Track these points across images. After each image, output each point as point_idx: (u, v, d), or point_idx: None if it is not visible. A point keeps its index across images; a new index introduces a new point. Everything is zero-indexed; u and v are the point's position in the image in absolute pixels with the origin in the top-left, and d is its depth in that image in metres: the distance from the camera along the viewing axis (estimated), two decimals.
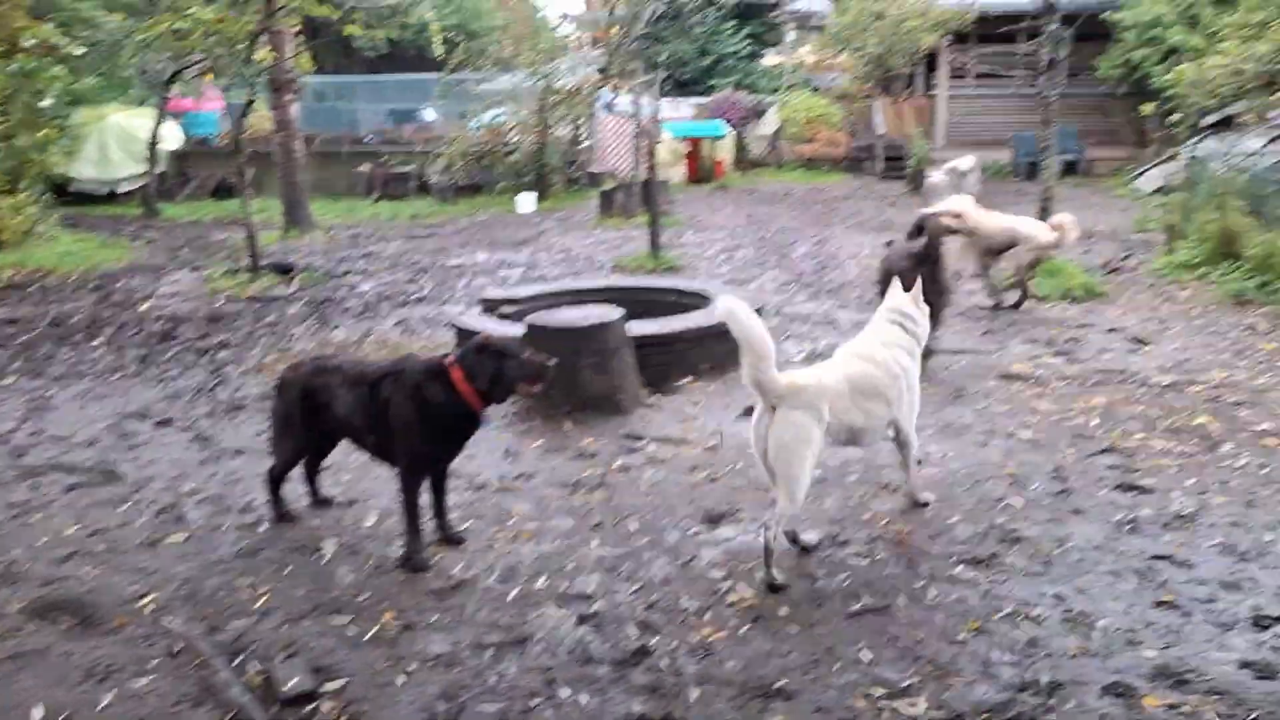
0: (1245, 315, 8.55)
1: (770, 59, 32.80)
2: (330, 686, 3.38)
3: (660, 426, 6.02)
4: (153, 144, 19.33)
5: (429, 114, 31.48)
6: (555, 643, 3.63)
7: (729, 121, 25.28)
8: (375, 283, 11.46)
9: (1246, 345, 7.63)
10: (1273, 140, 13.24)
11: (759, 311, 7.68)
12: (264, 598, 3.97)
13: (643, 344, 6.58)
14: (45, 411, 6.69)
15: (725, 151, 24.18)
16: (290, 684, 3.34)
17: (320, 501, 4.83)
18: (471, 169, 21.10)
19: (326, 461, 4.90)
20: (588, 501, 4.92)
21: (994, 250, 8.82)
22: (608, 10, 12.05)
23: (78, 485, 5.28)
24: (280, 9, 10.94)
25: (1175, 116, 11.62)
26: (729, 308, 4.07)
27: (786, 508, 4.08)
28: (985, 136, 24.17)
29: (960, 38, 21.69)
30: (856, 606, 3.84)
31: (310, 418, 4.43)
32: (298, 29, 15.86)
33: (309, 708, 3.28)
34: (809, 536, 4.39)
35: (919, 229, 7.13)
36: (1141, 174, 18.96)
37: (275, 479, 4.64)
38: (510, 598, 3.96)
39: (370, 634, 3.70)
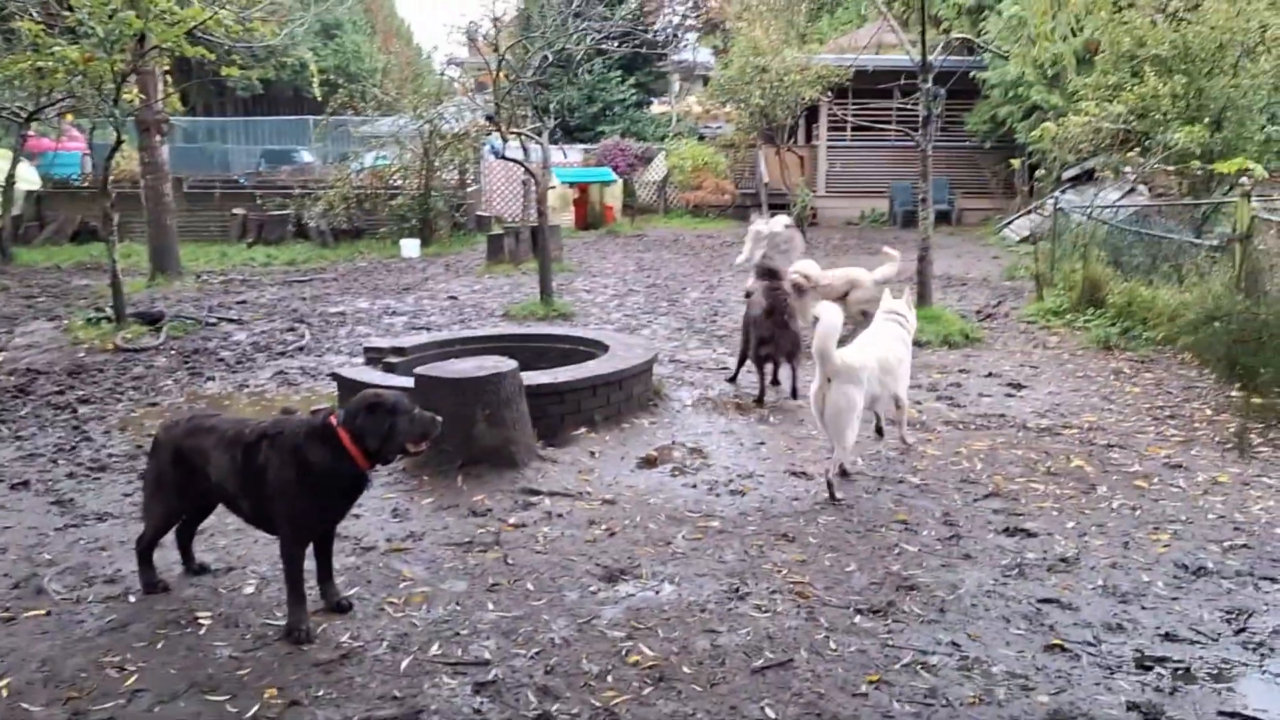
0: (1111, 360, 8.98)
1: (657, 107, 33.39)
2: None
3: (556, 480, 5.91)
4: (8, 185, 18.32)
5: (305, 156, 30.87)
6: (451, 713, 3.47)
7: (617, 168, 25.59)
8: (250, 332, 11.04)
9: (1114, 389, 8.00)
10: (1127, 193, 14.09)
11: (654, 359, 7.77)
12: (134, 677, 3.67)
13: (536, 394, 6.48)
14: None
15: (614, 198, 24.39)
16: None
17: (195, 569, 4.53)
18: (353, 213, 20.66)
19: (201, 525, 4.62)
20: (482, 561, 4.76)
21: (835, 297, 9.23)
22: (496, 56, 11.99)
23: None
24: (152, 49, 10.53)
25: (1041, 171, 12.22)
26: (826, 307, 5.62)
27: (841, 454, 5.70)
28: (864, 186, 25.09)
29: (840, 92, 22.53)
30: (759, 662, 3.80)
31: (184, 481, 4.17)
32: (167, 69, 15.33)
33: None
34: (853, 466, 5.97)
35: (767, 272, 8.14)
36: (1009, 224, 19.90)
37: (146, 547, 4.33)
38: (402, 667, 3.77)
39: (251, 712, 3.45)
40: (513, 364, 6.20)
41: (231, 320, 11.69)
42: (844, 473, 5.86)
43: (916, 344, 9.48)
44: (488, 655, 3.86)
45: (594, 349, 7.96)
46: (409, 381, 6.23)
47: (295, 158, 30.98)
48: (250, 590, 4.41)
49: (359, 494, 4.05)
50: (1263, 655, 3.80)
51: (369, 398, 3.93)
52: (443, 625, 4.10)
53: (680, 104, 34.41)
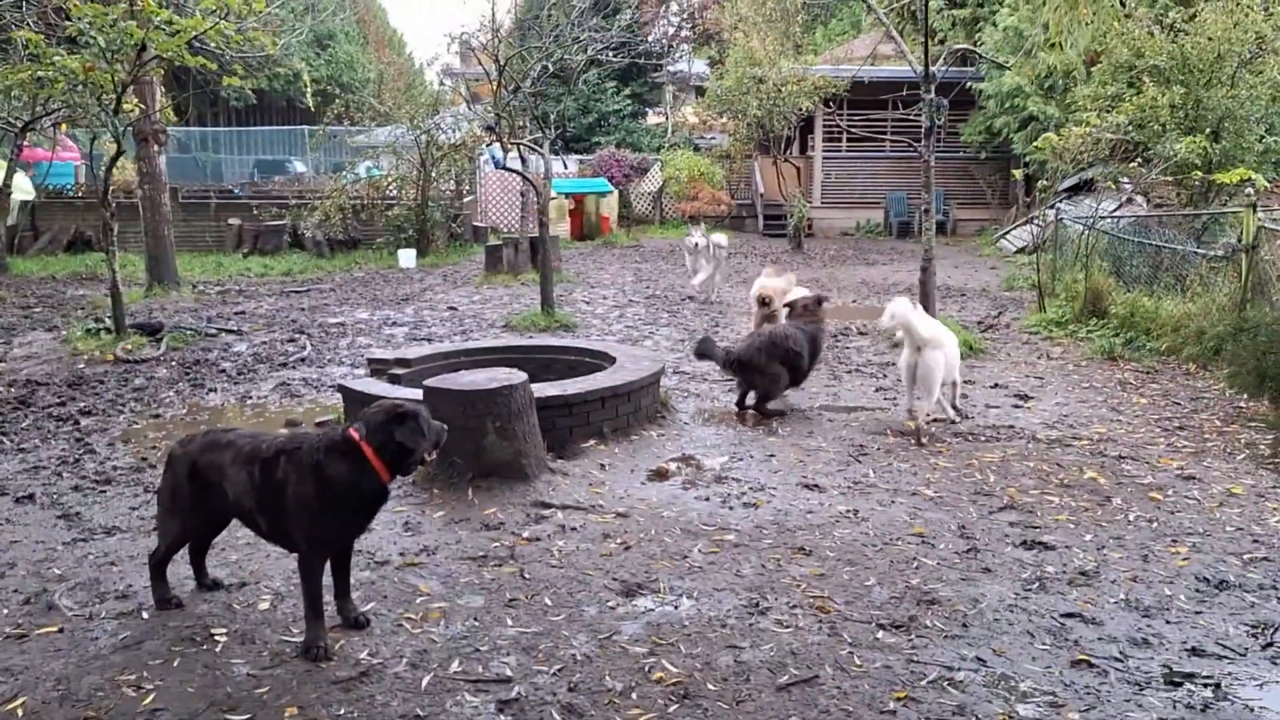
0: (1116, 371, 8.97)
1: (652, 118, 33.45)
2: None
3: (568, 493, 5.86)
4: (3, 195, 18.20)
5: (298, 166, 30.84)
6: None
7: (612, 179, 25.60)
8: (250, 343, 10.96)
9: (1121, 400, 7.99)
10: (1124, 204, 14.13)
11: (662, 371, 7.72)
12: (151, 696, 3.61)
13: (545, 406, 6.43)
14: None
15: (610, 208, 24.40)
16: None
17: (207, 585, 4.46)
18: (349, 223, 20.60)
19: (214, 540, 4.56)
20: (498, 576, 4.71)
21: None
22: (496, 66, 11.97)
23: None
24: (152, 59, 10.47)
25: (1043, 181, 12.26)
26: (900, 302, 7.06)
27: (930, 405, 6.98)
28: (859, 197, 25.16)
29: (836, 103, 22.62)
30: (785, 679, 3.75)
31: (200, 497, 4.11)
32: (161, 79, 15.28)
33: None
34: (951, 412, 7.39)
35: (816, 301, 8.18)
36: (1005, 234, 19.94)
37: (160, 562, 4.27)
38: (423, 685, 3.71)
39: None
40: (523, 376, 6.15)
41: (231, 331, 11.61)
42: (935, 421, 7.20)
43: None
44: (509, 672, 3.81)
45: (600, 361, 7.92)
46: (416, 393, 6.18)
47: (288, 168, 30.97)
48: (265, 606, 4.35)
49: (379, 507, 4.00)
50: None
51: (392, 409, 3.89)
52: (462, 641, 4.05)
53: (676, 115, 34.46)
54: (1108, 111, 12.74)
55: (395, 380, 7.38)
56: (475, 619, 4.25)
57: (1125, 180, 13.79)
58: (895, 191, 24.31)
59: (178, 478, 4.14)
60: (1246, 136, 12.74)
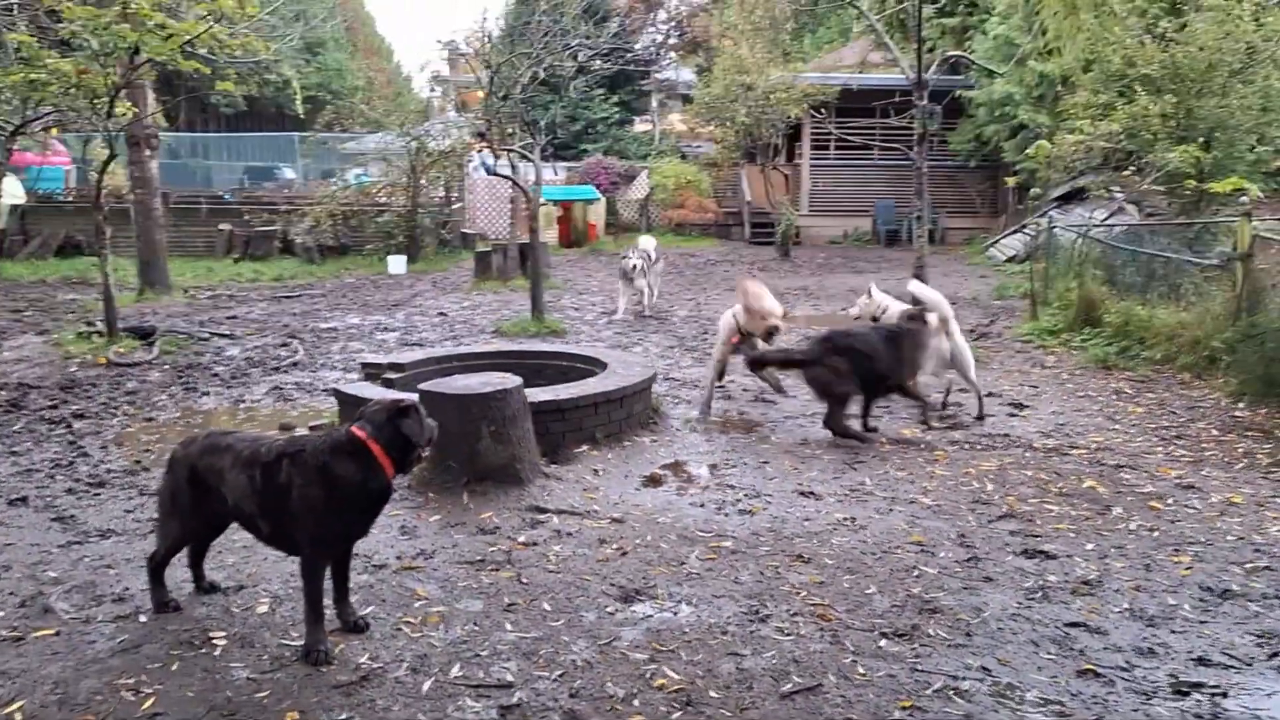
0: (1111, 380, 8.99)
1: (639, 126, 33.47)
2: None
3: (563, 498, 5.82)
4: None
5: (288, 173, 30.73)
6: None
7: (599, 186, 25.60)
8: (243, 347, 10.90)
9: (1117, 409, 8.00)
10: (1115, 213, 14.20)
11: (654, 377, 7.70)
12: (150, 700, 3.55)
13: (538, 411, 6.40)
14: None
15: (597, 216, 24.40)
16: None
17: (205, 588, 4.41)
18: (339, 229, 20.57)
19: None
20: (496, 581, 4.67)
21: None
22: (487, 72, 11.95)
23: None
24: (144, 63, 10.40)
25: (1035, 190, 12.30)
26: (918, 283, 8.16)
27: (974, 377, 7.80)
28: (847, 205, 25.20)
29: (825, 110, 22.68)
30: (788, 687, 3.72)
31: (199, 500, 4.06)
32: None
33: None
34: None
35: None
36: (995, 243, 20.01)
37: (158, 565, 4.22)
38: (424, 690, 3.67)
39: None
40: (518, 380, 6.12)
41: (224, 335, 11.55)
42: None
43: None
44: (510, 677, 3.77)
45: (592, 366, 7.91)
46: (413, 398, 6.13)
47: (278, 174, 30.85)
48: (264, 609, 4.29)
49: (384, 506, 3.98)
50: None
51: (393, 404, 3.90)
52: (462, 646, 4.01)
53: (663, 122, 34.52)
54: (1100, 120, 12.81)
55: (389, 385, 7.35)
56: (474, 623, 4.21)
57: (1117, 189, 13.84)
58: (883, 199, 24.37)
59: (178, 480, 4.10)
60: (1238, 146, 12.82)
